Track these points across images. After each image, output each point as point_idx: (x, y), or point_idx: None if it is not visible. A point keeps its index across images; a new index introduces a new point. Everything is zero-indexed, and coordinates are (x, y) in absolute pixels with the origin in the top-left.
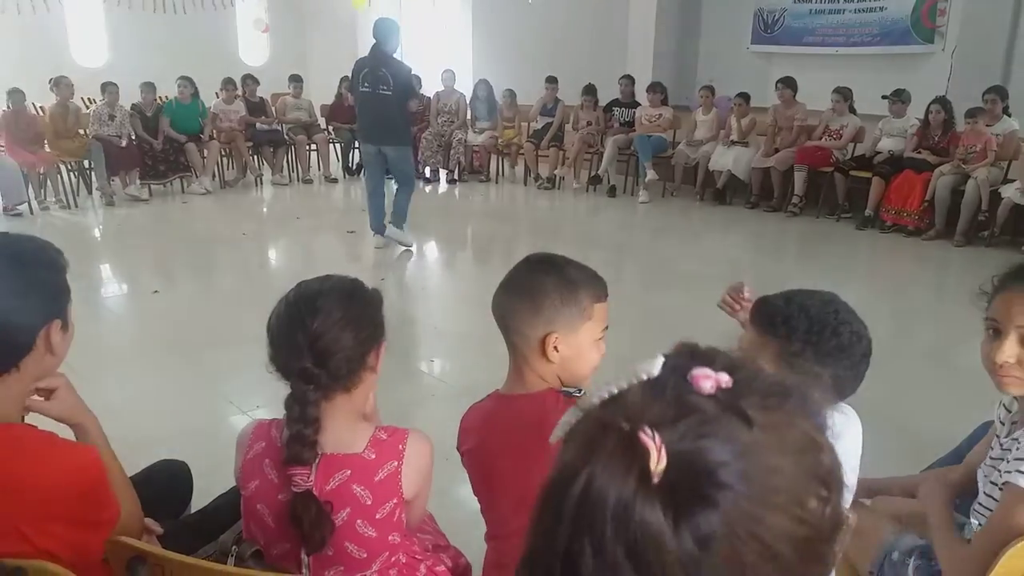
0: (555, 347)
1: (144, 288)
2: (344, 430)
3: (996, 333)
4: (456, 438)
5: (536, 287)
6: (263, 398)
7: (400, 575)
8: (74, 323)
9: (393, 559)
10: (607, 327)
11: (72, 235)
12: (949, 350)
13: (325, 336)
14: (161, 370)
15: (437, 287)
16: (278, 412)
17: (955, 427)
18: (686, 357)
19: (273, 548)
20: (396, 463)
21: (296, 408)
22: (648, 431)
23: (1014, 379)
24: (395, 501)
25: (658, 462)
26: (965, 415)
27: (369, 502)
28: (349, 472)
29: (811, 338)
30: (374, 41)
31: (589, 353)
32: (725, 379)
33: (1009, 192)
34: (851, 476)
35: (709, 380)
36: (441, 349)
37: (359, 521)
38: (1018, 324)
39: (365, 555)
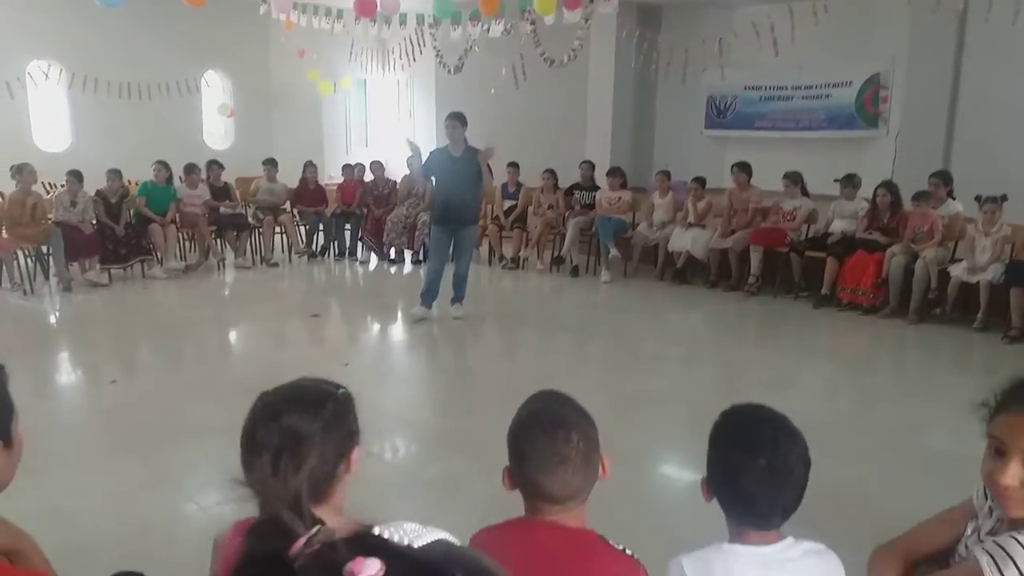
0: None
1: (101, 378)
2: None
3: (999, 453)
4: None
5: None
6: (224, 494)
7: None
8: (21, 437)
9: None
10: None
11: (27, 322)
12: (912, 430)
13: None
14: (118, 468)
15: (401, 372)
16: (240, 508)
17: (922, 509)
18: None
19: None
20: None
21: None
22: None
23: (1017, 501)
24: None
25: None
26: (932, 497)
27: None
28: None
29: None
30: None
31: None
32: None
33: (957, 271)
34: None
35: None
36: (403, 437)
37: None
38: (1023, 447)
39: None
